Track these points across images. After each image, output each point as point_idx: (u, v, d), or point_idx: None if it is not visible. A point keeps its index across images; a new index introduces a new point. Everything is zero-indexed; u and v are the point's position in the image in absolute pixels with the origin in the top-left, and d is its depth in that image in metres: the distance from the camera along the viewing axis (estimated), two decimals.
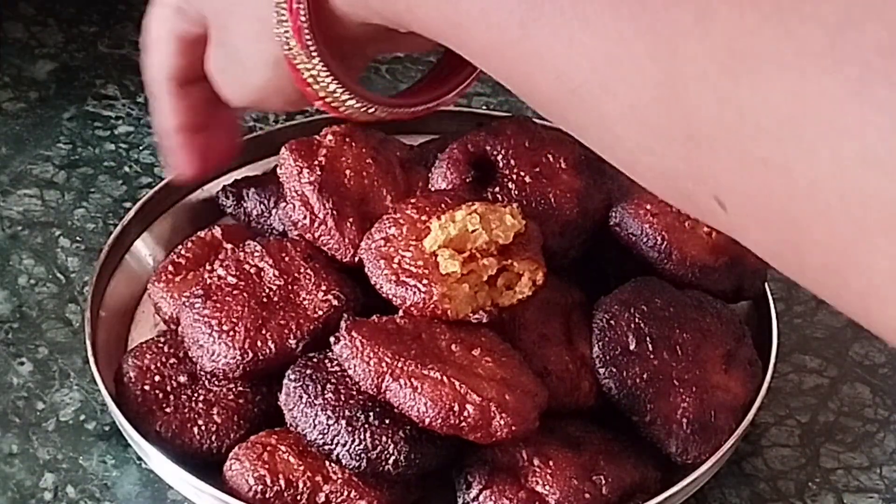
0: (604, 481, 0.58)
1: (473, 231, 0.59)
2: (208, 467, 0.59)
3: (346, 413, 0.56)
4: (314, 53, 0.53)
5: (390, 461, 0.56)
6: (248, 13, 0.55)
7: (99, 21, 0.94)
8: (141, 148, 0.83)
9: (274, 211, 0.69)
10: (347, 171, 0.66)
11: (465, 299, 0.58)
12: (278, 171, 0.66)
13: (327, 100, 0.55)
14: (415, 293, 0.58)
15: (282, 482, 0.57)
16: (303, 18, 0.52)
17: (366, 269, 0.60)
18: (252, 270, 0.63)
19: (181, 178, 0.65)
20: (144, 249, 0.71)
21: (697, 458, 0.60)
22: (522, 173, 0.66)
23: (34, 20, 0.94)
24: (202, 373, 0.61)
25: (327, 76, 0.54)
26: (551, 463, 0.58)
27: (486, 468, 0.57)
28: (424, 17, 0.47)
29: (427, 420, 0.55)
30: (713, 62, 0.37)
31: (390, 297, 0.59)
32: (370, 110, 0.57)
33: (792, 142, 0.35)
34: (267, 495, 0.57)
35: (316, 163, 0.65)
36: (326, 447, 0.56)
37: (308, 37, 0.52)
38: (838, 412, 0.69)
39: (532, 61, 0.43)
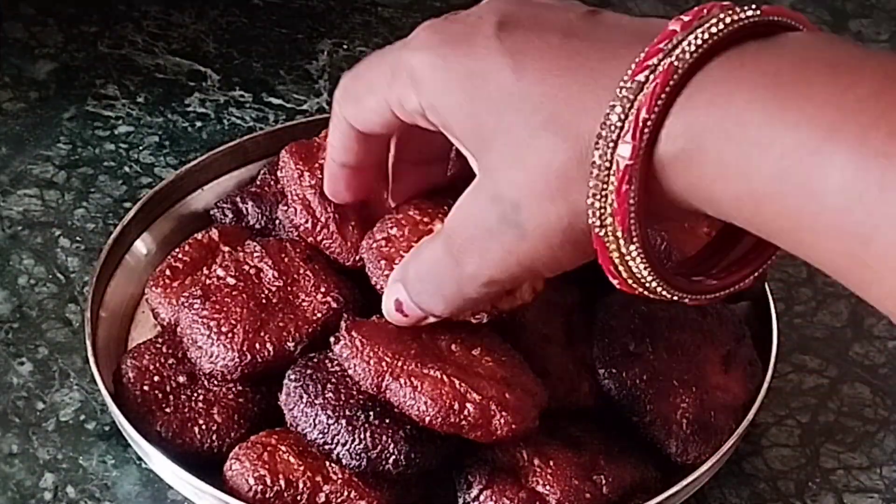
0: (604, 481, 0.58)
1: None
2: (208, 467, 0.59)
3: (347, 413, 0.56)
4: (635, 239, 0.45)
5: (390, 461, 0.56)
6: (543, 163, 0.46)
7: (99, 21, 0.94)
8: (141, 148, 0.83)
9: (277, 222, 0.68)
10: None
11: None
12: (278, 174, 0.66)
13: (629, 282, 0.47)
14: None
15: (282, 482, 0.57)
16: (631, 202, 0.44)
17: (366, 269, 0.60)
18: (251, 271, 0.63)
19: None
20: (144, 249, 0.71)
21: (697, 458, 0.60)
22: None
23: (34, 20, 0.94)
24: (201, 373, 0.61)
25: (642, 263, 0.46)
26: (552, 463, 0.58)
27: (486, 468, 0.57)
28: (771, 224, 0.42)
29: (427, 419, 0.55)
30: None
31: None
32: (673, 297, 0.48)
33: None
34: (267, 495, 0.57)
35: (317, 165, 0.65)
36: (326, 447, 0.56)
37: (633, 222, 0.44)
38: (838, 412, 0.69)
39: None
